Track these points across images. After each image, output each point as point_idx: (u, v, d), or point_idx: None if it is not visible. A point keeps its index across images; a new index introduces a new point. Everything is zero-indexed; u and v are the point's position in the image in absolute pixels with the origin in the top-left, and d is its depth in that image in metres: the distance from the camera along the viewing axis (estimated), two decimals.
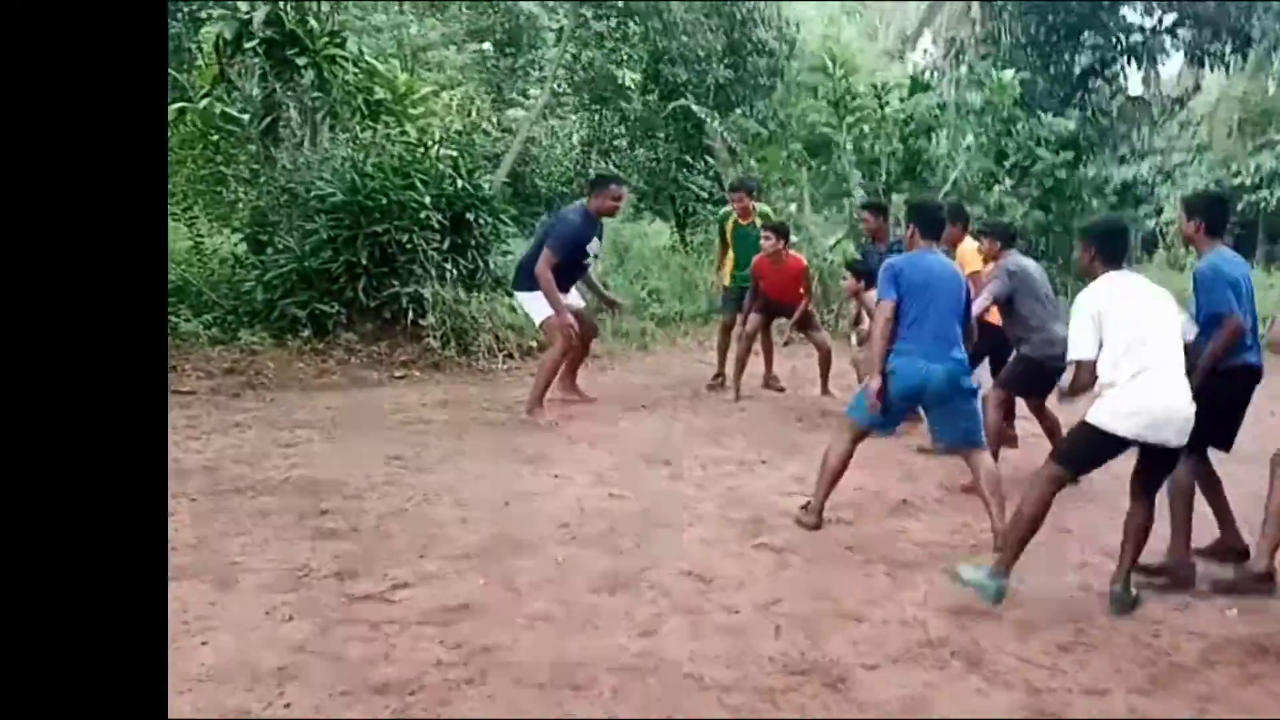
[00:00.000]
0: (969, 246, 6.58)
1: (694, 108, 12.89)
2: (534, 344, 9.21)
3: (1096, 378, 3.83)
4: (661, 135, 17.84)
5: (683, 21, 15.01)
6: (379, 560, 4.21)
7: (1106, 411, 3.79)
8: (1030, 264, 5.89)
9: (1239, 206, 24.02)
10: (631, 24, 15.30)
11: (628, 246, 14.74)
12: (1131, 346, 3.77)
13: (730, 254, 8.43)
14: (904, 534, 4.85)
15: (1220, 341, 4.18)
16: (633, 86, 13.71)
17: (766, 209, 8.68)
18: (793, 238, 8.55)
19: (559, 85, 14.74)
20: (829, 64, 11.96)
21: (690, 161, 17.47)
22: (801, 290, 7.95)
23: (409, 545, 4.42)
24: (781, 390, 8.38)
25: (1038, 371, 5.52)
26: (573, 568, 4.22)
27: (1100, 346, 3.82)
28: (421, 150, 9.39)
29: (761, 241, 7.82)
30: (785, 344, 9.55)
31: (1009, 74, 12.63)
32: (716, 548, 4.55)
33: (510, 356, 8.94)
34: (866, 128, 12.35)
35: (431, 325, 8.64)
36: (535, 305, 6.78)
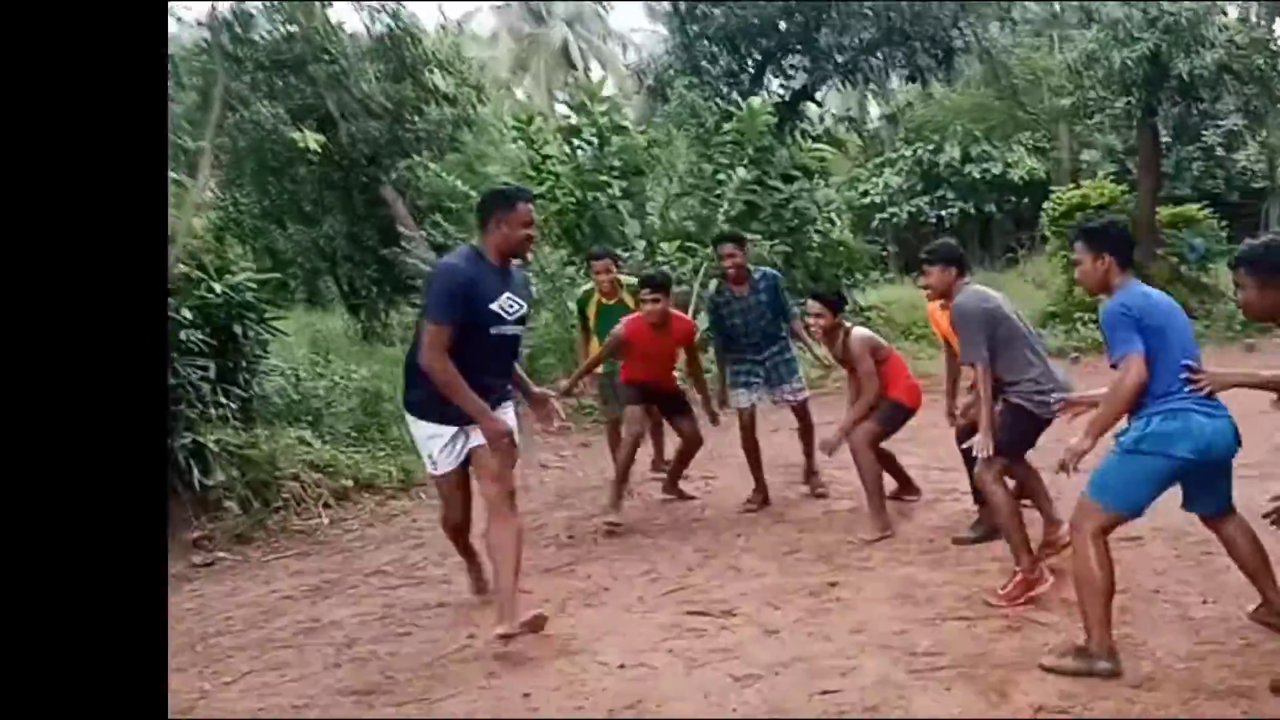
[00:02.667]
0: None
1: (433, 165, 11.50)
2: (348, 485, 7.49)
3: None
4: (316, 205, 16.13)
5: (350, 70, 13.57)
6: None
7: None
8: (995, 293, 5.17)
9: (871, 224, 26.41)
10: (288, 73, 13.59)
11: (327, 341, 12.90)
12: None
13: (594, 341, 7.27)
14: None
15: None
16: (315, 148, 12.01)
17: (634, 282, 7.56)
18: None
19: (217, 155, 12.62)
20: (587, 101, 11.18)
21: (358, 234, 15.95)
22: (689, 364, 7.08)
23: None
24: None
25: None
26: None
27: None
28: None
29: (642, 303, 6.47)
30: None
31: (757, 101, 12.60)
32: None
33: (327, 505, 7.17)
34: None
35: (223, 484, 6.67)
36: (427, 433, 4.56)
